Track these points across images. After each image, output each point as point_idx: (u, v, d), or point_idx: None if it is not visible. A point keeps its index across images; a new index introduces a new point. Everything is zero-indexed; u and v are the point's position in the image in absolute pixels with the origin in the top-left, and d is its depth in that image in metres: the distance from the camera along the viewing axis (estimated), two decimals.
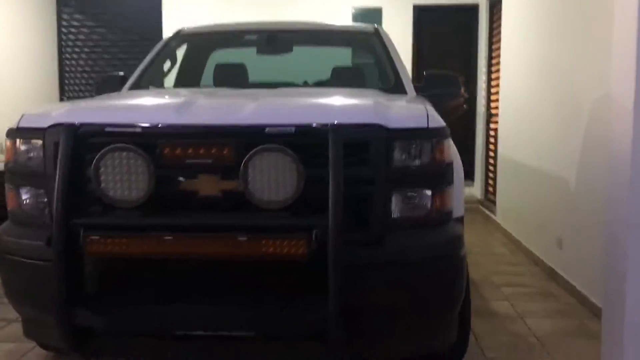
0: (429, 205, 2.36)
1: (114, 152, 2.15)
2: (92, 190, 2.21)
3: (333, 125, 2.15)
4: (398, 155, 2.29)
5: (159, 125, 2.24)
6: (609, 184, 2.89)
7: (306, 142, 2.19)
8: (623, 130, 2.70)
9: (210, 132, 2.22)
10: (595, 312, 3.69)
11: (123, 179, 2.15)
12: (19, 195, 2.46)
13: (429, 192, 2.36)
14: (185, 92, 3.11)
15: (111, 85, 3.77)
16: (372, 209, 2.25)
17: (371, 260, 2.22)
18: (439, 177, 2.38)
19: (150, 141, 2.19)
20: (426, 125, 2.35)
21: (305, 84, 4.05)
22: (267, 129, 2.17)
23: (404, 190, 2.32)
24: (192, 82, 3.76)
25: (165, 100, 2.82)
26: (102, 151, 2.15)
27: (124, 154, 2.15)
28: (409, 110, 2.50)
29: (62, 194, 2.14)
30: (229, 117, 2.31)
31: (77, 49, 8.59)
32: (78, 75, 8.65)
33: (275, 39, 4.06)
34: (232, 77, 3.89)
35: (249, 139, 2.17)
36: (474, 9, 8.02)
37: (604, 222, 3.11)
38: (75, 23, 8.58)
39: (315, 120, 2.22)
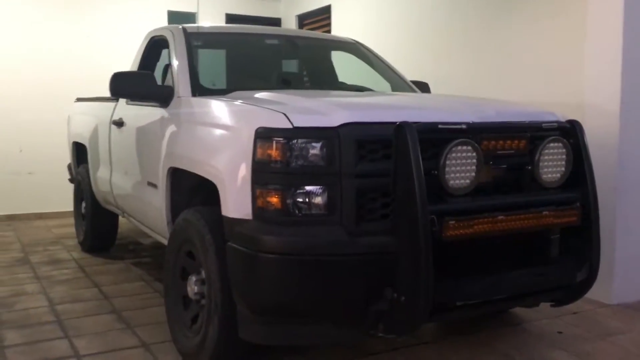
0: None
1: (459, 146, 2.42)
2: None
3: (576, 121, 2.81)
4: None
5: (478, 122, 2.57)
6: None
7: (559, 134, 2.78)
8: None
9: (512, 127, 2.66)
10: None
11: (465, 169, 2.45)
12: (290, 195, 2.43)
13: None
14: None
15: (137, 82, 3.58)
16: None
17: None
18: None
19: (473, 137, 2.51)
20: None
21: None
22: (543, 124, 2.72)
23: None
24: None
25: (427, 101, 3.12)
26: (451, 145, 2.40)
27: (466, 147, 2.44)
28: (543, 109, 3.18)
29: (420, 186, 2.30)
30: (493, 116, 2.72)
31: None
32: None
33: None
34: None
35: (533, 132, 2.68)
36: (277, 21, 8.75)
37: None
38: None
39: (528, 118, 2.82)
